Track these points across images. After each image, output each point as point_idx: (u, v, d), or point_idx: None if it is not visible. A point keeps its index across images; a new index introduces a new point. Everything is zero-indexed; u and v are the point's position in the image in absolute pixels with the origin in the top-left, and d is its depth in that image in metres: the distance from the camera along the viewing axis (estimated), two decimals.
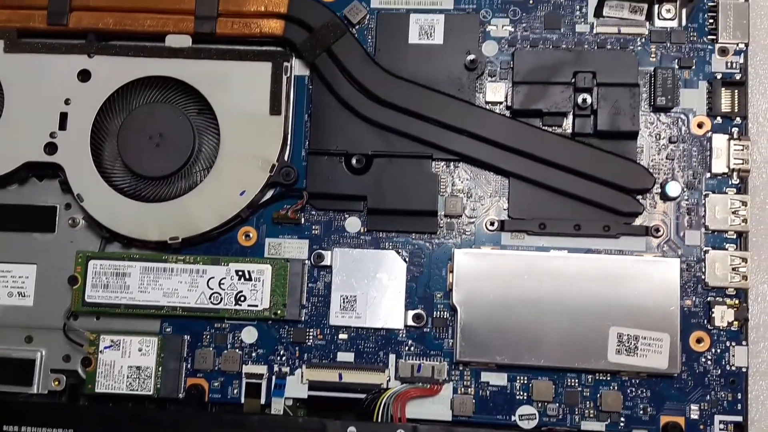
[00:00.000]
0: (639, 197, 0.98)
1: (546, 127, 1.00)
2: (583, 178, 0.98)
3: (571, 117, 1.00)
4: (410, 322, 0.99)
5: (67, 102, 1.03)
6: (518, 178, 1.00)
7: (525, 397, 0.97)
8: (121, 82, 1.04)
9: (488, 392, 0.97)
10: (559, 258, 0.97)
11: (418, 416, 0.98)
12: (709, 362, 0.96)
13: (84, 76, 1.04)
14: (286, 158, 1.03)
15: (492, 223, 1.00)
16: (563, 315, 0.95)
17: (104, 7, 1.05)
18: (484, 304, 0.96)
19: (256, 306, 1.00)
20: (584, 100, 0.99)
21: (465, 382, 0.98)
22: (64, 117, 1.03)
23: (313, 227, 1.02)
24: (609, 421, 0.96)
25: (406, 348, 0.99)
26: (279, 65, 1.03)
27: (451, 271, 0.98)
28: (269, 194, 1.03)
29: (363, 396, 0.98)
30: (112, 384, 0.99)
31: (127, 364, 0.99)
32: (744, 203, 0.97)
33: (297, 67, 1.05)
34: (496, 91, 1.02)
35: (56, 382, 1.02)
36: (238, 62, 1.03)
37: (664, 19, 1.01)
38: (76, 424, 0.97)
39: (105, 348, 0.99)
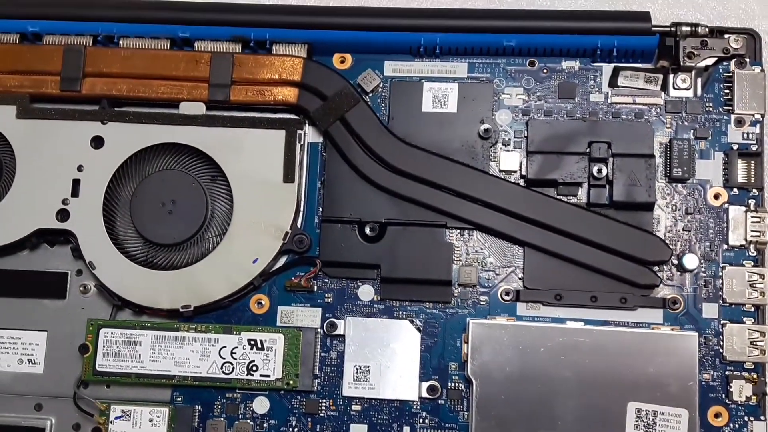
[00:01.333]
0: (656, 269, 0.97)
1: (561, 197, 1.00)
2: (599, 249, 0.97)
3: (586, 187, 1.00)
4: (425, 394, 0.98)
5: (79, 168, 1.03)
6: (533, 248, 0.99)
7: None
8: (134, 149, 1.04)
9: None
10: (576, 330, 0.96)
11: None
12: None
13: (97, 142, 1.04)
14: (299, 225, 1.02)
15: (507, 293, 0.99)
16: (580, 389, 0.94)
17: (117, 73, 1.05)
18: (499, 377, 0.95)
19: (269, 376, 0.99)
20: (599, 171, 0.98)
21: None
22: (76, 183, 1.03)
23: (326, 295, 1.02)
24: None
25: (421, 420, 0.98)
26: (293, 133, 1.03)
27: (466, 342, 0.97)
28: (282, 261, 1.02)
29: None
30: None
31: None
32: (761, 276, 0.96)
33: (310, 134, 1.05)
34: (510, 160, 1.01)
35: None
36: (252, 130, 1.03)
37: (680, 89, 1.01)
38: None
39: (116, 418, 0.98)
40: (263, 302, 1.02)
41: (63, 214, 1.02)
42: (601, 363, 0.94)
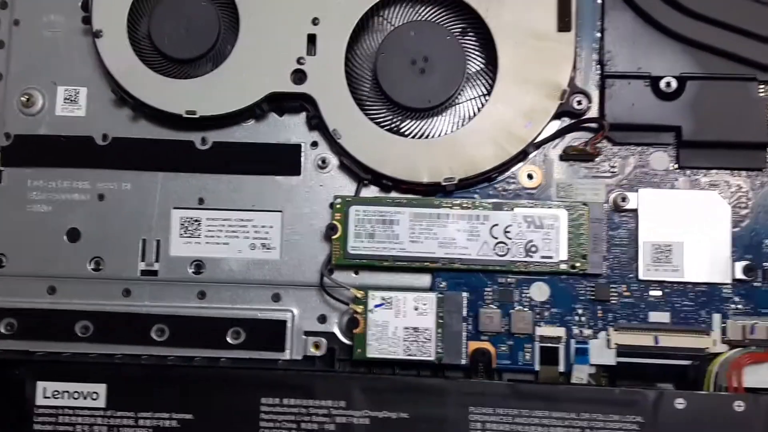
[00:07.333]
0: None
1: None
2: None
3: None
4: (739, 275, 0.83)
5: (314, 22, 0.88)
6: None
7: None
8: None
9: None
10: None
11: (753, 385, 0.82)
12: None
13: None
14: (577, 83, 0.87)
15: None
16: None
17: None
18: None
19: (551, 258, 0.85)
20: None
21: None
22: (311, 39, 0.88)
23: (611, 164, 0.87)
24: None
25: (733, 306, 0.84)
26: None
27: None
28: (556, 126, 0.88)
29: (682, 363, 0.83)
30: (386, 348, 0.85)
31: (403, 325, 0.85)
32: None
33: None
34: None
35: (315, 347, 0.88)
36: None
37: None
38: (348, 395, 0.83)
39: (376, 307, 0.85)
40: (535, 174, 0.88)
41: (299, 76, 0.88)
42: None
